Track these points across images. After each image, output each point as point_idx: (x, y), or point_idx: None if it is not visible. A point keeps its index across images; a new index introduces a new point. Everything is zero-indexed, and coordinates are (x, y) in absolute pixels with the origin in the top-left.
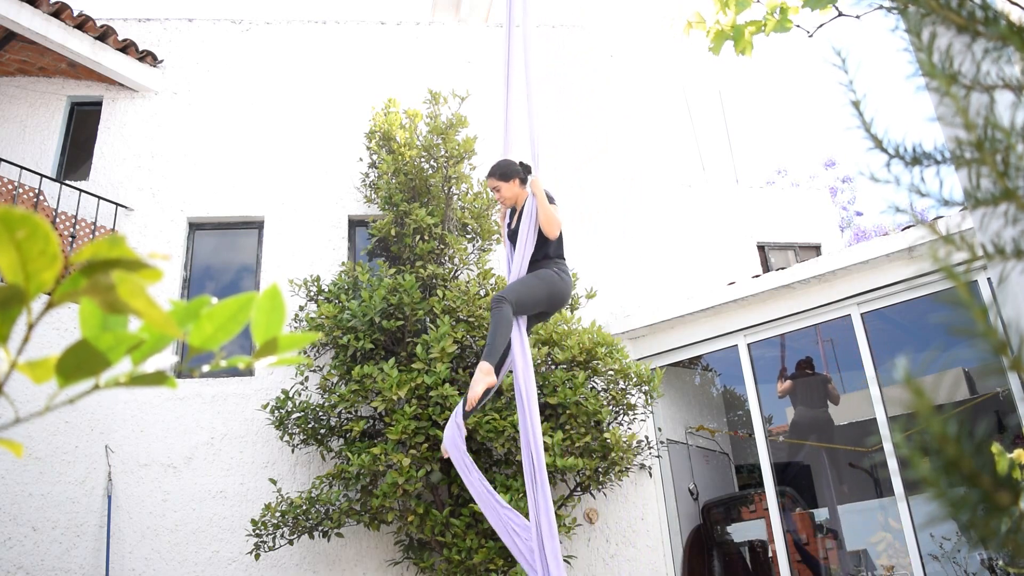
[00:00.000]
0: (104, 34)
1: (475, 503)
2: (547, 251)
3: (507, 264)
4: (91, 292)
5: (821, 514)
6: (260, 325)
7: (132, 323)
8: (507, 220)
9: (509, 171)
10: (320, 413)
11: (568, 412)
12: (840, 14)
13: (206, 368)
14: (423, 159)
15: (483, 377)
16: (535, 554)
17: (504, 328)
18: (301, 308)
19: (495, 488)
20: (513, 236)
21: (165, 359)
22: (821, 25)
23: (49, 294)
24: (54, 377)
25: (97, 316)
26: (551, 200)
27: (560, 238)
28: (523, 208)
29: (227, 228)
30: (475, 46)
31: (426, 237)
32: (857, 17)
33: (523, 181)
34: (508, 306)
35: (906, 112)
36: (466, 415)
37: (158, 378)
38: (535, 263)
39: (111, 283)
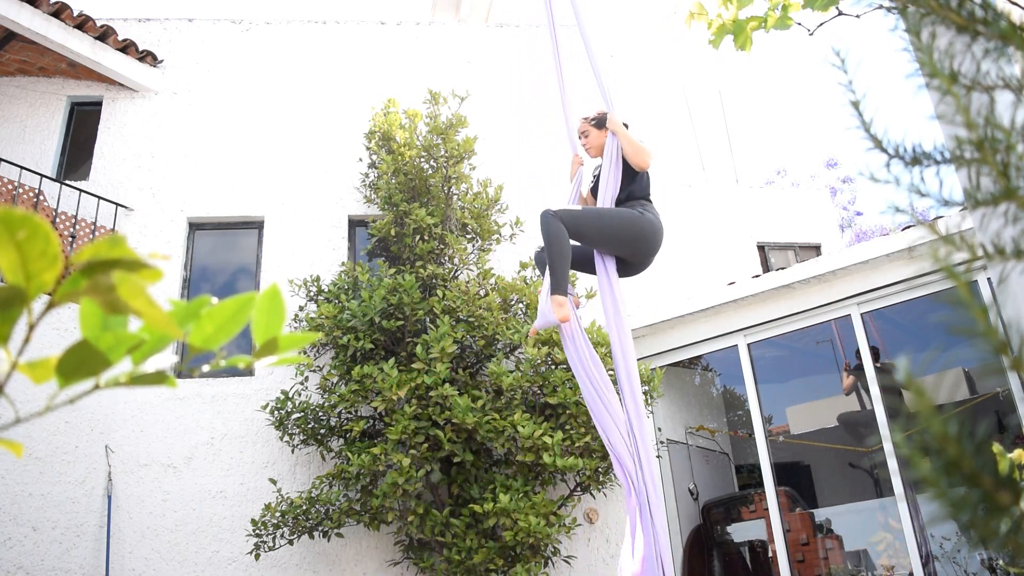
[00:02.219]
0: (104, 34)
1: (476, 504)
2: (631, 190)
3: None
4: (91, 292)
5: (821, 514)
6: (260, 325)
7: (132, 323)
8: (579, 180)
9: (604, 120)
10: (320, 413)
11: (568, 412)
12: (840, 13)
13: (206, 368)
14: (423, 159)
15: (557, 308)
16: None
17: (559, 244)
18: (301, 308)
19: (495, 489)
20: (595, 192)
21: (165, 359)
22: (821, 24)
23: (50, 294)
24: (54, 377)
25: (97, 316)
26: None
27: (645, 178)
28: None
29: (227, 228)
30: (475, 46)
31: (426, 237)
32: (857, 16)
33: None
34: (559, 221)
35: (906, 112)
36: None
37: (158, 378)
38: (619, 205)
39: (111, 283)
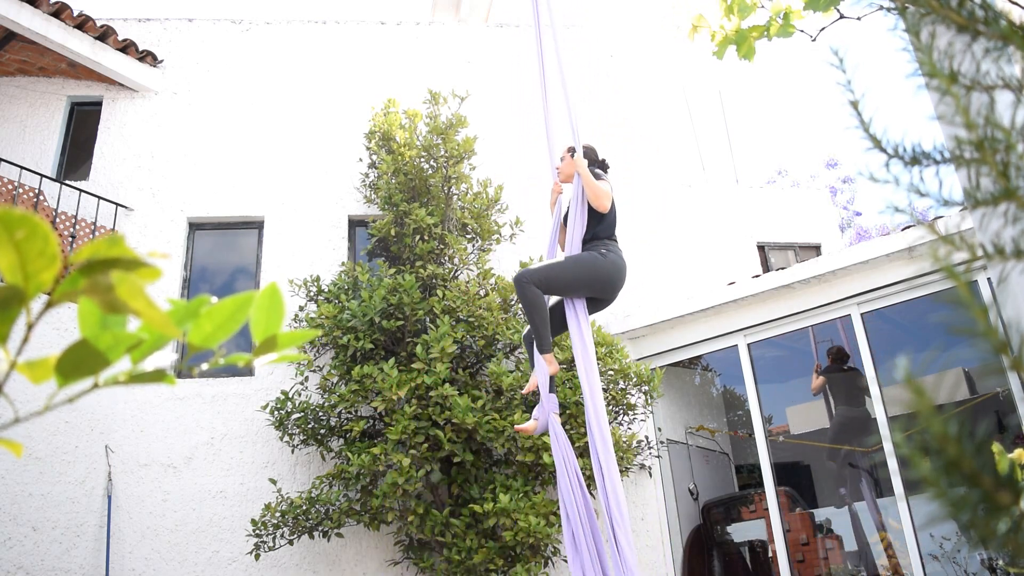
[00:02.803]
0: (104, 34)
1: (476, 504)
2: (596, 231)
3: (549, 250)
4: (90, 292)
5: (821, 514)
6: (259, 323)
7: (131, 322)
8: (560, 208)
9: (582, 152)
10: (320, 413)
11: (568, 412)
12: (841, 16)
13: (205, 366)
14: (423, 159)
15: (549, 364)
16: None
17: (538, 310)
18: (301, 308)
19: (495, 489)
20: (567, 220)
21: (164, 357)
22: (823, 29)
23: (48, 294)
24: (53, 377)
25: (96, 315)
26: (600, 177)
27: (610, 218)
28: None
29: (227, 228)
30: (475, 46)
31: (426, 237)
32: (858, 19)
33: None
34: (532, 286)
35: (906, 112)
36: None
37: (157, 376)
38: (585, 246)
39: (110, 283)
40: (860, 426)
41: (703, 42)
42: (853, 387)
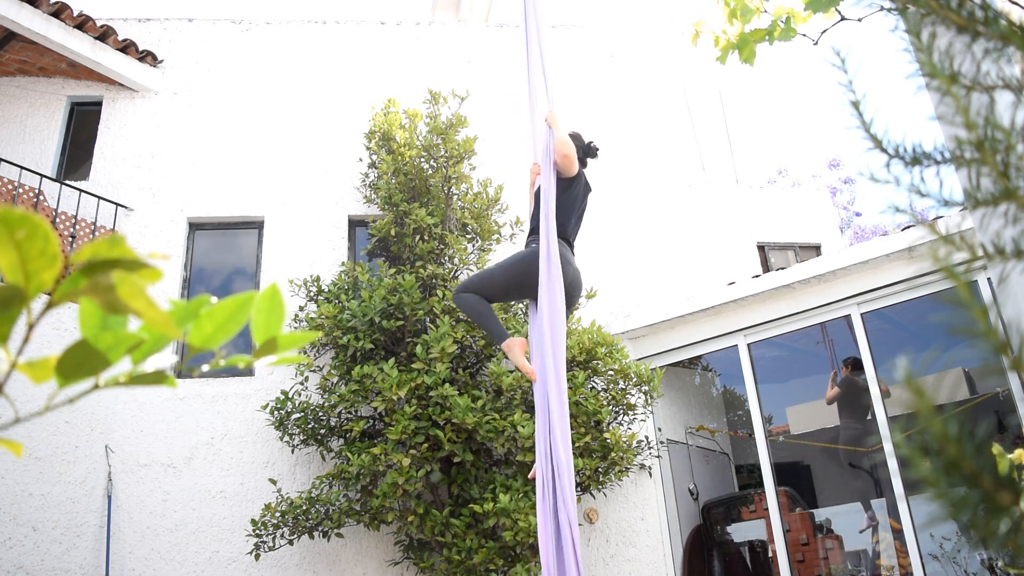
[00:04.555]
0: (104, 34)
1: (476, 504)
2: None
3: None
4: (91, 292)
5: (821, 514)
6: (260, 324)
7: (132, 323)
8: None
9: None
10: (320, 413)
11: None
12: (842, 18)
13: (206, 368)
14: (423, 159)
15: (517, 350)
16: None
17: (479, 309)
18: (301, 308)
19: (495, 489)
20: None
21: (165, 358)
22: (824, 31)
23: (49, 294)
24: (54, 377)
25: (97, 316)
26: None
27: (562, 200)
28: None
29: (227, 228)
30: (475, 46)
31: (426, 237)
32: (859, 20)
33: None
34: (466, 293)
35: (907, 112)
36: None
37: (158, 377)
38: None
39: (111, 283)
40: (865, 440)
41: (705, 46)
42: (861, 400)
